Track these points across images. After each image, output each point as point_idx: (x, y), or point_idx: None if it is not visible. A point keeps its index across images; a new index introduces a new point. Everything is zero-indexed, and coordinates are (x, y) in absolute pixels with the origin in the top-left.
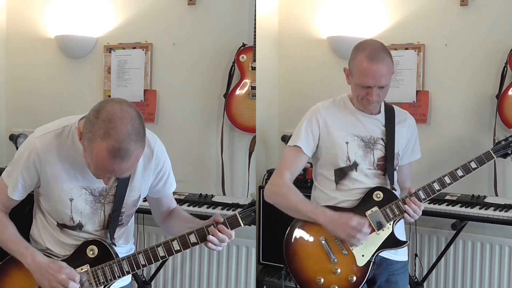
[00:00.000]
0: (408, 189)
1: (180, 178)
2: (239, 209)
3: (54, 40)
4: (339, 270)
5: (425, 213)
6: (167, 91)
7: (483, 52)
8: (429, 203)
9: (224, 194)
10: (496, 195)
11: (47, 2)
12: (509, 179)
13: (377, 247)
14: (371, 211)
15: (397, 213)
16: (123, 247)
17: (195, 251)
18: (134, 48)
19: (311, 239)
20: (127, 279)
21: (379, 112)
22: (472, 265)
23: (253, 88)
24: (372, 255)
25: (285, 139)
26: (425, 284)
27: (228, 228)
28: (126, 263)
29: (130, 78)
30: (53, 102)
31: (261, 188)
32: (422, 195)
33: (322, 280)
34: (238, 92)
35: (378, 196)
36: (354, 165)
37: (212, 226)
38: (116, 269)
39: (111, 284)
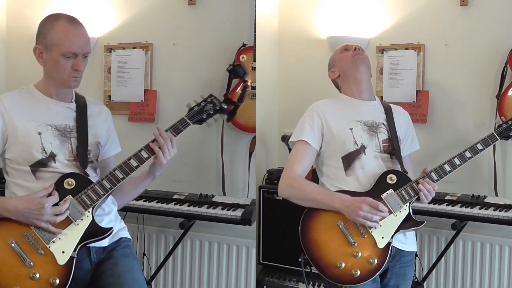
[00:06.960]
0: (422, 170)
1: (180, 178)
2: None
3: None
4: (359, 253)
5: (425, 213)
6: (167, 91)
7: (483, 52)
8: (429, 203)
9: (224, 194)
10: (496, 195)
11: (47, 3)
12: (509, 179)
13: (395, 228)
14: (387, 193)
15: (412, 195)
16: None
17: (195, 251)
18: (134, 48)
19: (328, 225)
20: (125, 231)
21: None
22: (472, 265)
23: (253, 88)
24: (391, 237)
25: (285, 139)
26: (425, 284)
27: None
28: (106, 181)
29: (130, 78)
30: None
31: (261, 188)
32: (434, 176)
33: (343, 264)
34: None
35: (392, 179)
36: (362, 148)
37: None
38: (98, 189)
39: (98, 203)
